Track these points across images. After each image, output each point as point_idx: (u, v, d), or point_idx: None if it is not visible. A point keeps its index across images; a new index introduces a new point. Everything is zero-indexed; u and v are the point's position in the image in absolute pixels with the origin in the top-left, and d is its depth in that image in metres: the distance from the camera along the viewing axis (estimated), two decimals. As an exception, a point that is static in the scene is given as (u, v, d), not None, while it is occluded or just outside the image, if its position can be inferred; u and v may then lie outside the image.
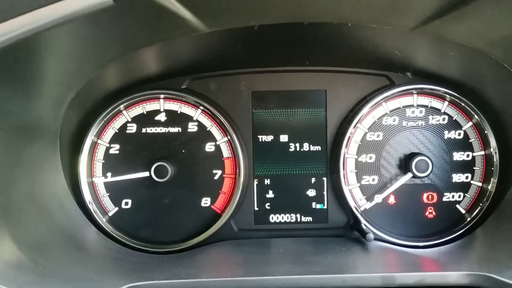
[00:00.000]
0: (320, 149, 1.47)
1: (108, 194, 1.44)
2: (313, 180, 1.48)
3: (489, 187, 1.43)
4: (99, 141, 1.43)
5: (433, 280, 1.08)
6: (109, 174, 1.43)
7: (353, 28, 0.96)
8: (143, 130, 1.44)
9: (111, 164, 1.43)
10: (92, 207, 1.40)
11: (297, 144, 1.47)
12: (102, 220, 1.41)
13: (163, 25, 0.89)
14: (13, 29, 0.77)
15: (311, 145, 1.47)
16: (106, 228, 1.40)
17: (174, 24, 0.88)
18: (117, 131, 1.44)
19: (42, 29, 0.78)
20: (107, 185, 1.44)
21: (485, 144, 1.45)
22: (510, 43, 0.97)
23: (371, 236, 1.33)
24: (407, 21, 0.91)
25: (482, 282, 1.03)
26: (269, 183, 1.47)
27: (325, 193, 1.48)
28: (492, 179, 1.43)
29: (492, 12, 0.85)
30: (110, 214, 1.44)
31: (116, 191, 1.44)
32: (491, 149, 1.43)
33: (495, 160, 1.42)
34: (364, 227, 1.39)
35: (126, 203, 1.44)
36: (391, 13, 0.88)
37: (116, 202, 1.44)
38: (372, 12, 0.88)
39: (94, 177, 1.43)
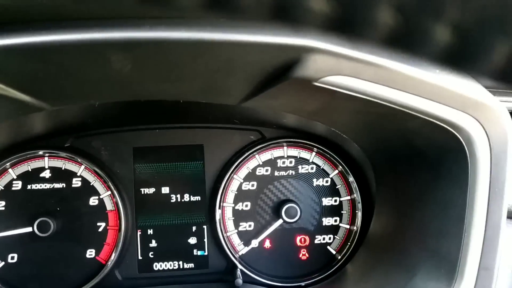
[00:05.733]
0: (199, 199, 1.58)
1: (-6, 249, 1.48)
2: (194, 228, 1.58)
3: (355, 228, 1.58)
4: (-16, 199, 1.48)
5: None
6: (-6, 231, 1.48)
7: (188, 103, 1.09)
8: (29, 187, 1.50)
9: (-3, 220, 1.49)
10: (-23, 263, 1.44)
11: (178, 195, 1.57)
12: (-12, 275, 1.45)
13: (8, 107, 0.98)
14: None
15: (191, 196, 1.58)
16: (-8, 283, 1.45)
17: (18, 106, 0.98)
18: (2, 188, 1.49)
19: None
20: (-7, 241, 1.48)
21: (350, 190, 1.60)
22: (325, 114, 1.12)
23: (239, 281, 1.43)
24: (230, 99, 1.05)
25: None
26: (152, 233, 1.56)
27: (205, 240, 1.58)
28: (357, 221, 1.58)
29: (296, 93, 0.99)
30: (-3, 268, 1.48)
31: (2, 246, 1.48)
32: (355, 194, 1.59)
33: (359, 203, 1.58)
34: (238, 272, 1.50)
35: (12, 257, 1.49)
36: (213, 93, 1.02)
37: (2, 257, 1.48)
38: (196, 93, 1.01)
39: (-20, 233, 1.48)
